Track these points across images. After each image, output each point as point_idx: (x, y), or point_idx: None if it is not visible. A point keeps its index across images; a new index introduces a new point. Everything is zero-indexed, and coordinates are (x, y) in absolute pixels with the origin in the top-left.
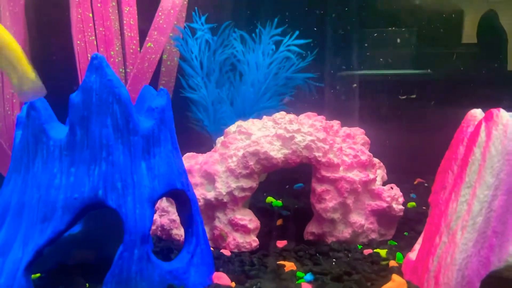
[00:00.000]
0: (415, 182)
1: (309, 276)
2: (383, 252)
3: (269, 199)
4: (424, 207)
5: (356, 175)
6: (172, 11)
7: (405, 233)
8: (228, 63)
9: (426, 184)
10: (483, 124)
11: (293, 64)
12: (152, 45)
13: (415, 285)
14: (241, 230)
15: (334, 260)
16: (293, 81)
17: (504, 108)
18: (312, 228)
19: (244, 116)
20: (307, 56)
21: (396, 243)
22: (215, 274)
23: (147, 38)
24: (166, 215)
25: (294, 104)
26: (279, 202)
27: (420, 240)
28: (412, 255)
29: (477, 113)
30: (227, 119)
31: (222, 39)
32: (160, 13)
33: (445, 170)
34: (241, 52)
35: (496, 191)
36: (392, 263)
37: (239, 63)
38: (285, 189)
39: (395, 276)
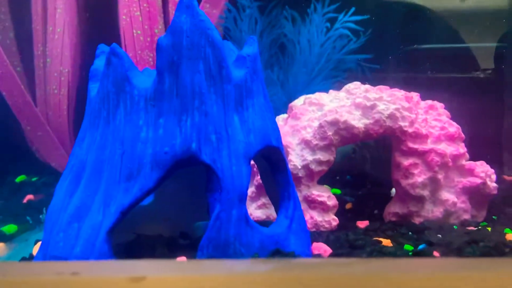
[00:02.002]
0: None
1: (423, 246)
2: (488, 229)
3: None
4: (503, 192)
5: (445, 148)
6: None
7: (493, 216)
8: (276, 45)
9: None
10: None
11: (348, 43)
12: None
13: None
14: (319, 208)
15: (439, 235)
16: (344, 63)
17: None
18: (394, 208)
19: (296, 99)
20: (360, 37)
21: (490, 228)
22: (314, 244)
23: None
24: None
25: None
26: (337, 190)
27: None
28: None
29: None
30: (277, 101)
31: (270, 18)
32: None
33: None
34: (292, 32)
35: None
36: (509, 235)
37: (289, 42)
38: (336, 180)
39: None
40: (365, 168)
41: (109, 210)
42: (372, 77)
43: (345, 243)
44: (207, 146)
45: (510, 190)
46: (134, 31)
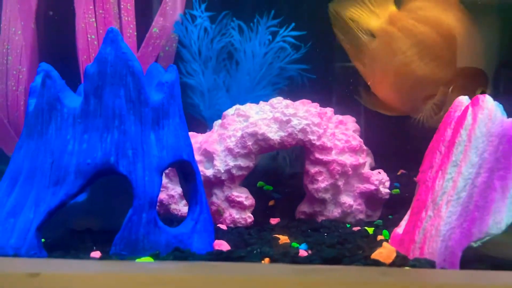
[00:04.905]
0: (398, 173)
1: (304, 246)
2: (370, 230)
3: (260, 183)
4: (406, 194)
5: (347, 159)
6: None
7: (389, 215)
8: (225, 52)
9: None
10: (470, 109)
11: (288, 55)
12: (157, 31)
13: (403, 254)
14: (237, 207)
15: (325, 234)
16: (287, 71)
17: None
18: (303, 208)
19: (239, 103)
20: (301, 48)
21: (381, 223)
22: (216, 241)
23: (152, 24)
24: (165, 190)
25: (287, 94)
26: (269, 186)
27: (406, 217)
28: (399, 229)
29: (463, 100)
30: (222, 105)
31: (220, 27)
32: (167, 0)
33: (433, 151)
34: (238, 41)
35: (479, 169)
36: (380, 237)
37: (236, 51)
38: (273, 176)
39: (385, 244)
40: (291, 169)
41: (39, 209)
42: (310, 86)
43: (242, 241)
44: (124, 160)
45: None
46: (88, 36)
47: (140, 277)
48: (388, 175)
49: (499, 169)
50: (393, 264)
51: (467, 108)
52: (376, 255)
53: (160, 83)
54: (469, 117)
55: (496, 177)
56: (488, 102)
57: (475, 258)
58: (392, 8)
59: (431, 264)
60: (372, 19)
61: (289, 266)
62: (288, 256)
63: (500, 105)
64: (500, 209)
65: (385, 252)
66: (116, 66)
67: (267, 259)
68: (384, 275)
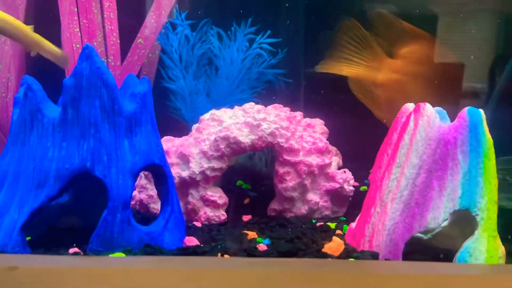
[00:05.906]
0: (371, 170)
1: (267, 241)
2: (332, 225)
3: (239, 182)
4: None
5: (313, 160)
6: (163, 12)
7: (355, 211)
8: (205, 57)
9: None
10: (412, 115)
11: (265, 61)
12: (142, 41)
13: (352, 247)
14: (211, 205)
15: (289, 230)
16: (264, 76)
17: None
18: (274, 205)
19: (219, 106)
20: (278, 54)
21: (345, 219)
22: (187, 238)
23: (138, 35)
24: (144, 191)
25: (265, 97)
26: (247, 185)
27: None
28: (354, 224)
29: (409, 106)
30: (202, 108)
31: (200, 35)
32: (152, 13)
33: (382, 153)
34: (218, 48)
35: (419, 170)
36: (338, 232)
37: (215, 57)
38: (253, 175)
39: (335, 238)
40: (268, 169)
41: (22, 210)
42: (286, 90)
43: (209, 238)
44: (99, 165)
45: None
46: (74, 44)
47: (108, 269)
48: (362, 173)
49: (436, 170)
50: (340, 256)
51: (410, 114)
52: (326, 248)
53: (133, 94)
54: (411, 123)
55: (434, 177)
56: (427, 110)
57: (424, 249)
58: (387, 59)
59: (373, 256)
60: (372, 73)
61: (241, 259)
62: (247, 251)
63: (443, 111)
64: (438, 206)
65: (334, 245)
66: (91, 79)
67: (223, 254)
68: (320, 266)
